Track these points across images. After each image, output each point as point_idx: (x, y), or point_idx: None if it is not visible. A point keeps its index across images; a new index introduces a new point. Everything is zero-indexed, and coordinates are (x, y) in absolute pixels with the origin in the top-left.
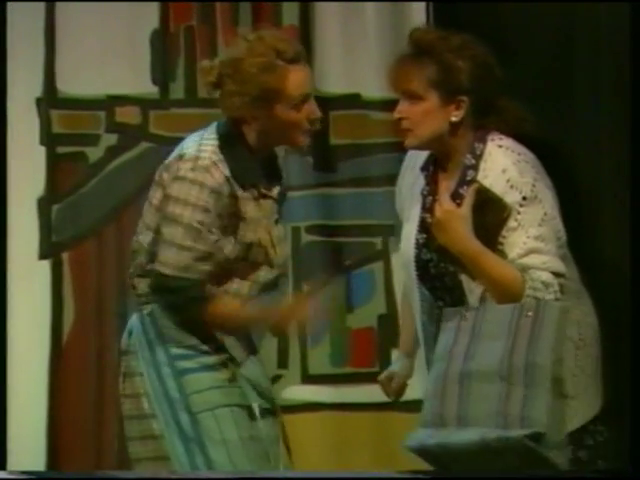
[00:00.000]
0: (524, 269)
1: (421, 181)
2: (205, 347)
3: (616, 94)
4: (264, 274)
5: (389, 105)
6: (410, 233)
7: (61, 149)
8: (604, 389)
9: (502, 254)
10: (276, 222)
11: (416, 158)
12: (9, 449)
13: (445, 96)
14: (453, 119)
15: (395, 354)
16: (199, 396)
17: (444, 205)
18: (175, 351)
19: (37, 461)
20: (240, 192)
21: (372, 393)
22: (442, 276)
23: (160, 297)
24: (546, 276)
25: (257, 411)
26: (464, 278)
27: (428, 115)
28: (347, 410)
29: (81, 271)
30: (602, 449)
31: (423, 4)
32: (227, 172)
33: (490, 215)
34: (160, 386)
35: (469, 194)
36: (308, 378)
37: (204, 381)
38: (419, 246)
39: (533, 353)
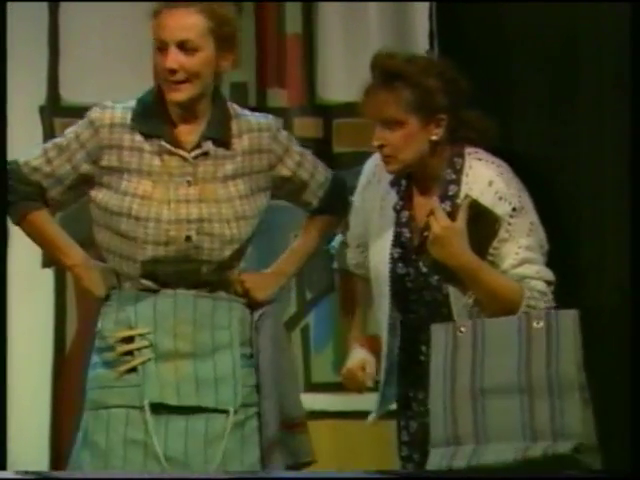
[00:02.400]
0: (520, 279)
1: (392, 196)
2: (112, 340)
3: (618, 103)
4: (152, 231)
5: None
6: (382, 247)
7: None
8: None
9: (493, 265)
10: (189, 183)
11: (381, 170)
12: (9, 449)
13: (424, 117)
14: (434, 138)
15: (353, 347)
16: (90, 393)
17: (441, 221)
18: (96, 343)
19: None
20: (139, 143)
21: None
22: (420, 290)
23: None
24: (541, 285)
25: (146, 404)
26: (452, 291)
27: (409, 139)
28: (351, 418)
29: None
30: None
31: (426, 14)
32: (125, 119)
33: (482, 228)
34: None
35: (462, 209)
36: (311, 386)
37: (98, 379)
38: (394, 260)
39: (555, 363)
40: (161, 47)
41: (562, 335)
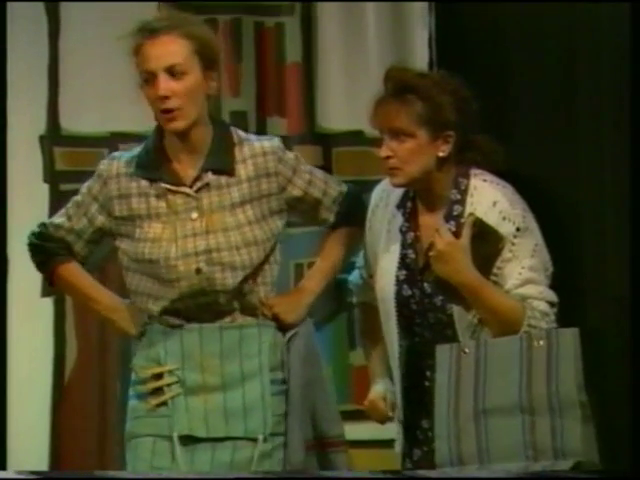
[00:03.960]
0: (522, 299)
1: (398, 218)
2: (144, 374)
3: (617, 125)
4: (164, 271)
5: None
6: (389, 270)
7: (64, 186)
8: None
9: (497, 285)
10: (195, 216)
11: (388, 195)
12: (9, 449)
13: (433, 132)
14: (441, 154)
15: (375, 378)
16: (127, 425)
17: (445, 237)
18: (132, 376)
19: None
20: (145, 188)
21: (375, 430)
22: (425, 312)
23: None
24: (543, 306)
25: (175, 438)
26: (456, 312)
27: (417, 152)
28: (350, 447)
29: (83, 308)
30: None
31: (426, 43)
32: (130, 167)
33: (486, 246)
34: None
35: (466, 226)
36: None
37: (132, 411)
38: (399, 282)
39: (555, 382)
40: (148, 79)
41: (562, 353)
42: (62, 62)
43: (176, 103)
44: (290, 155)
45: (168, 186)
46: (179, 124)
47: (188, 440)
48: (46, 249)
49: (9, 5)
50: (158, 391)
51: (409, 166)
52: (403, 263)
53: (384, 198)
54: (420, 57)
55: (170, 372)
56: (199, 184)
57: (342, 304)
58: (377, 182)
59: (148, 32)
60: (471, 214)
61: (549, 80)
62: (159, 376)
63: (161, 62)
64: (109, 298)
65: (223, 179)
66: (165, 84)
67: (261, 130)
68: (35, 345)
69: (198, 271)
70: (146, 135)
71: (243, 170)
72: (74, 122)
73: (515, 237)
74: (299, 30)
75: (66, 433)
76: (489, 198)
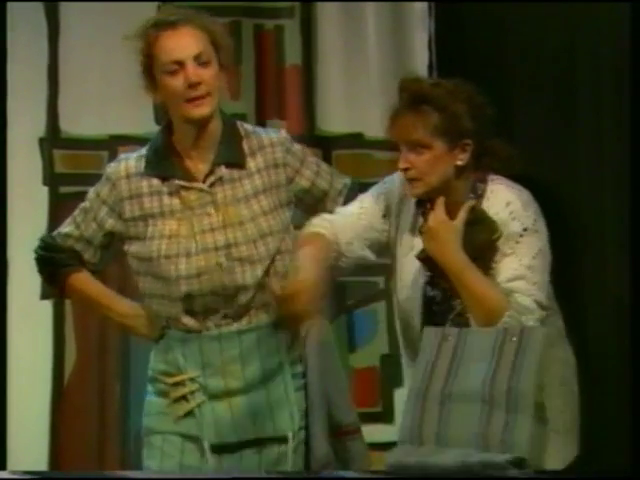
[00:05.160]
0: (509, 292)
1: (419, 219)
2: (165, 382)
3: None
4: (184, 267)
5: (392, 144)
6: (414, 270)
7: (64, 189)
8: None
9: (493, 279)
10: (211, 211)
11: (403, 191)
12: (9, 449)
13: (450, 142)
14: (459, 163)
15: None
16: (145, 420)
17: (438, 216)
18: (149, 373)
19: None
20: (157, 187)
21: (375, 433)
22: (445, 313)
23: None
24: (528, 302)
25: (206, 446)
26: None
27: (435, 163)
28: None
29: (83, 311)
30: None
31: (425, 45)
32: (139, 167)
33: (480, 234)
34: None
35: (462, 210)
36: None
37: (152, 405)
38: (424, 284)
39: (516, 378)
40: (173, 69)
41: (528, 351)
42: (62, 64)
43: (205, 90)
44: (297, 147)
45: (181, 182)
46: (206, 110)
47: (217, 445)
48: (55, 260)
49: (9, 7)
50: (182, 399)
51: (428, 177)
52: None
53: (400, 193)
54: (420, 59)
55: (191, 380)
56: (212, 178)
57: (342, 306)
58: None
59: (166, 25)
60: (470, 202)
61: (549, 81)
62: (181, 383)
63: (188, 51)
64: (123, 304)
65: (235, 172)
66: (195, 70)
67: None
68: (35, 346)
69: (219, 265)
70: (146, 137)
71: (253, 162)
72: (74, 125)
73: (521, 236)
74: (299, 32)
75: (66, 433)
76: (503, 199)
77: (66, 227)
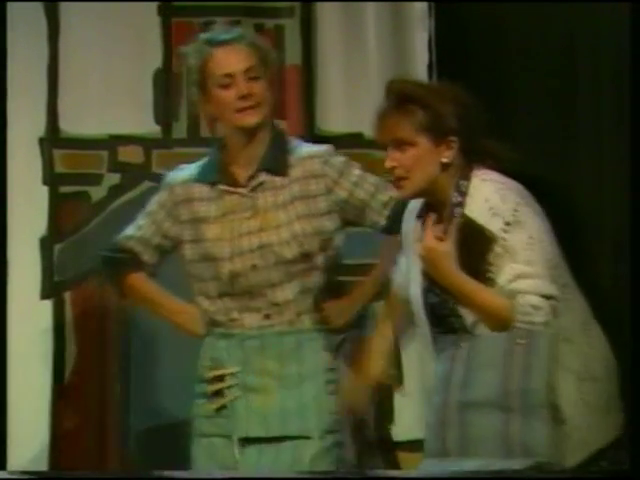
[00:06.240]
0: (513, 294)
1: (418, 228)
2: (207, 375)
3: (617, 125)
4: (226, 269)
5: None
6: (417, 278)
7: (64, 189)
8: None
9: (491, 282)
10: (250, 215)
11: (416, 204)
12: (9, 449)
13: (435, 138)
14: (444, 160)
15: None
16: (195, 420)
17: (427, 243)
18: (198, 373)
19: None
20: (206, 193)
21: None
22: (445, 317)
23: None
24: (536, 299)
25: (236, 442)
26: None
27: (420, 160)
28: None
29: (83, 311)
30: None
31: (425, 46)
32: (194, 175)
33: (476, 245)
34: None
35: (451, 230)
36: None
37: (200, 408)
38: (425, 291)
39: (527, 381)
40: (225, 82)
41: (537, 354)
42: (62, 64)
43: (254, 101)
44: (339, 158)
45: (225, 187)
46: (254, 119)
47: (247, 441)
48: (116, 261)
49: (9, 7)
50: (218, 393)
51: (414, 174)
52: (424, 271)
53: (414, 205)
54: (420, 59)
55: (232, 374)
56: (253, 183)
57: None
58: None
59: (219, 43)
60: (463, 216)
61: (549, 81)
62: (221, 378)
63: (240, 65)
64: (173, 302)
65: (277, 179)
66: (245, 83)
67: None
68: (35, 345)
69: (253, 267)
70: (146, 137)
71: (293, 172)
72: (74, 124)
73: (505, 232)
74: (299, 32)
75: (66, 433)
76: (482, 195)
77: (130, 230)
